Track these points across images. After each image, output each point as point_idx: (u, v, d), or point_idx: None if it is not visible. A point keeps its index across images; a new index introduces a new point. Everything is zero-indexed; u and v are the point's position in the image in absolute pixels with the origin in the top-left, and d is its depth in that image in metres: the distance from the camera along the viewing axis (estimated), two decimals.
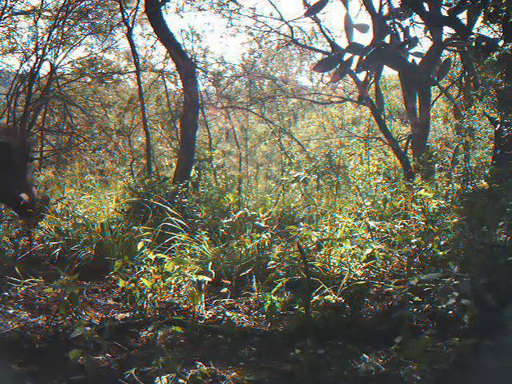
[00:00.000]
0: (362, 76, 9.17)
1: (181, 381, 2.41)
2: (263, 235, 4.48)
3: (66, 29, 14.34)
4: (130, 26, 11.77)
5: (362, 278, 3.53)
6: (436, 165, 8.16)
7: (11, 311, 3.57)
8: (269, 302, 3.42)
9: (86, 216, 5.60)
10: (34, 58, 14.17)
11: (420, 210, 4.69)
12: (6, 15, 13.23)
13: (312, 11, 5.97)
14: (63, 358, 2.70)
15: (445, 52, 8.97)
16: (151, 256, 3.77)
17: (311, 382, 2.53)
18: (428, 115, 9.69)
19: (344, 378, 2.53)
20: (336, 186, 6.90)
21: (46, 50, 14.20)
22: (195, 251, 4.52)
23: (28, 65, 14.33)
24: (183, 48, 9.44)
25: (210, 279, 3.71)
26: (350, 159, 12.41)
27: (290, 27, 14.27)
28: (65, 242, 5.01)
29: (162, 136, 19.22)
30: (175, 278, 3.77)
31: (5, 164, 3.26)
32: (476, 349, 2.37)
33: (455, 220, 4.26)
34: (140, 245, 4.02)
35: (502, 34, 3.32)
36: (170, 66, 16.94)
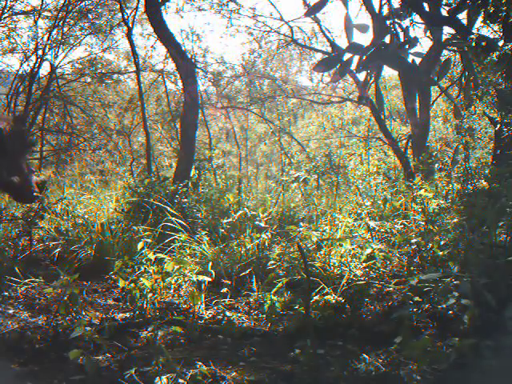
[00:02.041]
0: (362, 76, 9.19)
1: (181, 381, 2.41)
2: (263, 235, 4.48)
3: (66, 29, 14.35)
4: (130, 25, 11.79)
5: (362, 278, 3.53)
6: (436, 165, 8.18)
7: (11, 311, 3.56)
8: (269, 302, 3.41)
9: (86, 216, 5.60)
10: (34, 58, 14.19)
11: (420, 210, 4.69)
12: (6, 15, 13.23)
13: (312, 11, 5.97)
14: (63, 358, 2.70)
15: (445, 52, 8.98)
16: (151, 256, 3.76)
17: (311, 382, 2.53)
18: (428, 115, 9.70)
19: (344, 378, 2.53)
20: (336, 186, 6.91)
21: (46, 50, 14.21)
22: (195, 251, 4.52)
23: (28, 65, 14.35)
24: (183, 48, 9.44)
25: (210, 279, 3.70)
26: (350, 159, 12.43)
27: (290, 27, 14.30)
28: (65, 242, 5.01)
29: (162, 136, 19.23)
30: (175, 278, 3.76)
31: None
32: (476, 349, 2.37)
33: (455, 220, 4.26)
34: (140, 245, 4.02)
35: (502, 33, 3.32)
36: (170, 66, 16.96)
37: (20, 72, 14.53)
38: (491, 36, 5.52)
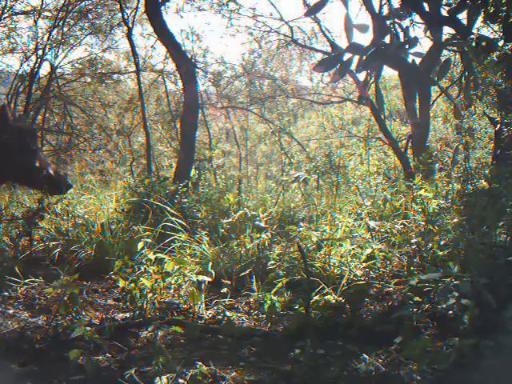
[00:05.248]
0: (362, 76, 9.18)
1: (181, 381, 2.41)
2: (263, 235, 4.47)
3: (66, 29, 14.37)
4: (130, 26, 11.80)
5: (362, 278, 3.53)
6: (436, 165, 8.17)
7: (11, 311, 3.56)
8: (269, 302, 3.41)
9: (86, 216, 5.59)
10: (34, 58, 14.21)
11: (420, 210, 4.69)
12: (6, 15, 13.23)
13: (312, 11, 5.98)
14: (63, 358, 2.70)
15: (445, 52, 8.99)
16: (151, 256, 3.76)
17: (311, 382, 2.53)
18: (428, 115, 9.69)
19: (344, 378, 2.53)
20: (336, 186, 6.90)
21: (46, 50, 14.23)
22: (195, 251, 4.52)
23: (28, 65, 14.38)
24: (183, 48, 9.44)
25: (210, 279, 3.70)
26: (350, 159, 12.43)
27: (290, 27, 14.32)
28: (65, 242, 5.01)
29: (162, 136, 19.24)
30: (175, 278, 3.76)
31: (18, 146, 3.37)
32: (476, 349, 2.37)
33: (455, 220, 4.26)
34: (140, 245, 4.02)
35: (501, 33, 3.32)
36: (170, 66, 16.99)
37: (20, 72, 14.55)
38: (491, 36, 5.53)
